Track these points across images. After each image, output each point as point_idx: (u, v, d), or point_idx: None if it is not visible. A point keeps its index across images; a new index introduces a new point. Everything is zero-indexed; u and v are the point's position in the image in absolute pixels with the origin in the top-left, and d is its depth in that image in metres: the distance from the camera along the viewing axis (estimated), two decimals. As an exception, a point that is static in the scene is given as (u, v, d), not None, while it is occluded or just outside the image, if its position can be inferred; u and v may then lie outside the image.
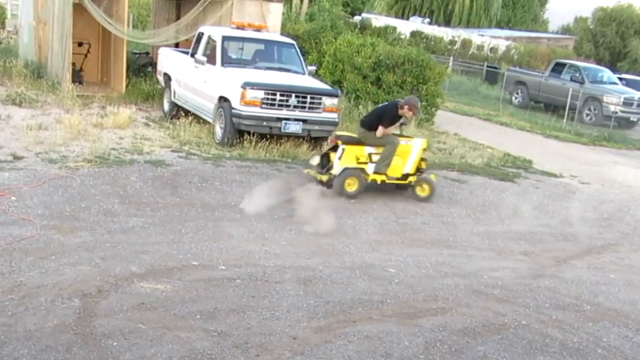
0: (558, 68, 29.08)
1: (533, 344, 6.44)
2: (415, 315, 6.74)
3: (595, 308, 7.64)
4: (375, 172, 11.15)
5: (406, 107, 11.04)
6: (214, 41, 14.01)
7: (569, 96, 24.87)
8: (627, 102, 26.14)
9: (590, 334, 6.86)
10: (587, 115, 26.24)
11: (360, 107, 17.01)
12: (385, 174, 11.18)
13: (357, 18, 39.99)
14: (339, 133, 11.79)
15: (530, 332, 6.70)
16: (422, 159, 11.55)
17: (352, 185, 10.90)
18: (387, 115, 11.13)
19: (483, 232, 10.08)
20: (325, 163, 11.24)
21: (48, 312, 5.76)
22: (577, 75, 27.75)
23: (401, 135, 11.52)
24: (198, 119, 14.33)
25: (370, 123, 11.18)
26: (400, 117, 11.24)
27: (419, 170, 11.48)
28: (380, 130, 10.98)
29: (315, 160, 11.35)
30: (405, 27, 42.17)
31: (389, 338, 6.10)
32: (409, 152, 11.34)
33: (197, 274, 7.08)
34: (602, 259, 9.65)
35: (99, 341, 5.39)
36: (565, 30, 69.01)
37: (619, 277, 8.86)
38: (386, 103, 12.74)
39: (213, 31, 14.40)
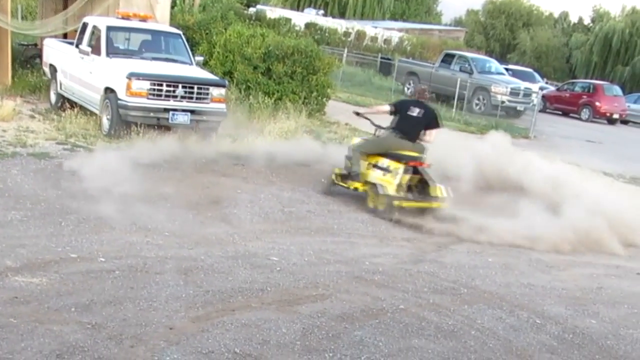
0: (448, 59, 29.76)
1: (409, 328, 6.56)
2: (294, 303, 6.79)
3: (471, 291, 7.85)
4: None
5: None
6: (99, 31, 13.80)
7: (458, 86, 25.44)
8: (514, 92, 27.01)
9: (465, 317, 7.04)
10: (477, 104, 26.93)
11: (250, 97, 17.00)
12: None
13: (252, 10, 39.88)
14: None
15: (407, 316, 6.83)
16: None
17: None
18: None
19: (367, 220, 10.23)
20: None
21: None
22: (466, 65, 28.47)
23: None
24: (85, 110, 14.10)
25: None
26: None
27: None
28: None
29: None
30: (300, 19, 42.33)
31: (267, 325, 6.13)
32: None
33: (75, 266, 6.96)
34: (482, 243, 9.90)
35: (-34, 337, 5.26)
36: (458, 22, 70.64)
37: (496, 261, 9.12)
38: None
39: (97, 21, 14.18)
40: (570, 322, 7.27)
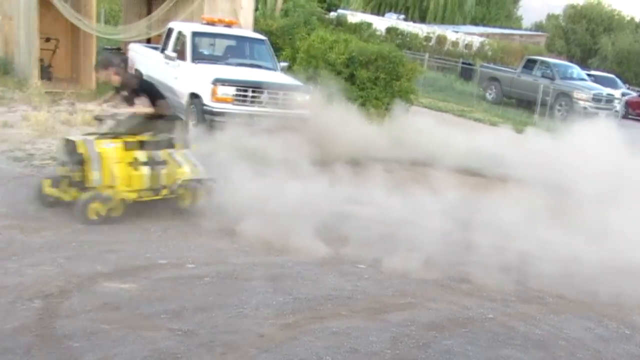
0: (530, 64, 29.39)
1: (497, 337, 6.43)
2: (383, 311, 6.68)
3: (558, 300, 7.67)
4: None
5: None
6: (184, 37, 13.90)
7: (540, 92, 25.06)
8: (596, 98, 26.51)
9: (552, 326, 6.88)
10: (559, 110, 26.46)
11: (334, 103, 16.89)
12: None
13: (333, 14, 39.93)
14: None
15: (495, 325, 6.69)
16: None
17: None
18: None
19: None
20: None
21: (8, 314, 5.62)
22: (548, 71, 28.11)
23: None
24: (170, 116, 14.18)
25: None
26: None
27: None
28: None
29: None
30: (381, 23, 42.16)
31: (356, 334, 6.04)
32: None
33: (165, 272, 6.96)
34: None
35: (60, 342, 5.26)
36: (538, 27, 69.49)
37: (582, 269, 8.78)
38: None
39: (183, 27, 14.30)
40: (662, 333, 7.01)
